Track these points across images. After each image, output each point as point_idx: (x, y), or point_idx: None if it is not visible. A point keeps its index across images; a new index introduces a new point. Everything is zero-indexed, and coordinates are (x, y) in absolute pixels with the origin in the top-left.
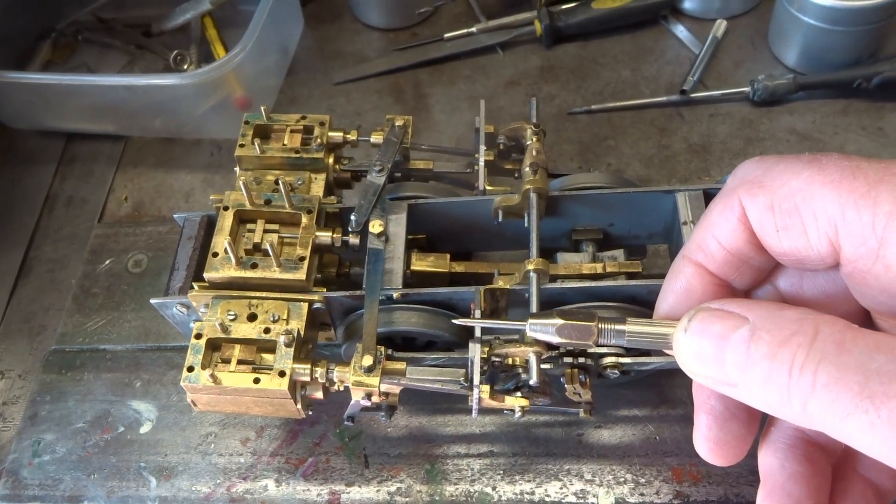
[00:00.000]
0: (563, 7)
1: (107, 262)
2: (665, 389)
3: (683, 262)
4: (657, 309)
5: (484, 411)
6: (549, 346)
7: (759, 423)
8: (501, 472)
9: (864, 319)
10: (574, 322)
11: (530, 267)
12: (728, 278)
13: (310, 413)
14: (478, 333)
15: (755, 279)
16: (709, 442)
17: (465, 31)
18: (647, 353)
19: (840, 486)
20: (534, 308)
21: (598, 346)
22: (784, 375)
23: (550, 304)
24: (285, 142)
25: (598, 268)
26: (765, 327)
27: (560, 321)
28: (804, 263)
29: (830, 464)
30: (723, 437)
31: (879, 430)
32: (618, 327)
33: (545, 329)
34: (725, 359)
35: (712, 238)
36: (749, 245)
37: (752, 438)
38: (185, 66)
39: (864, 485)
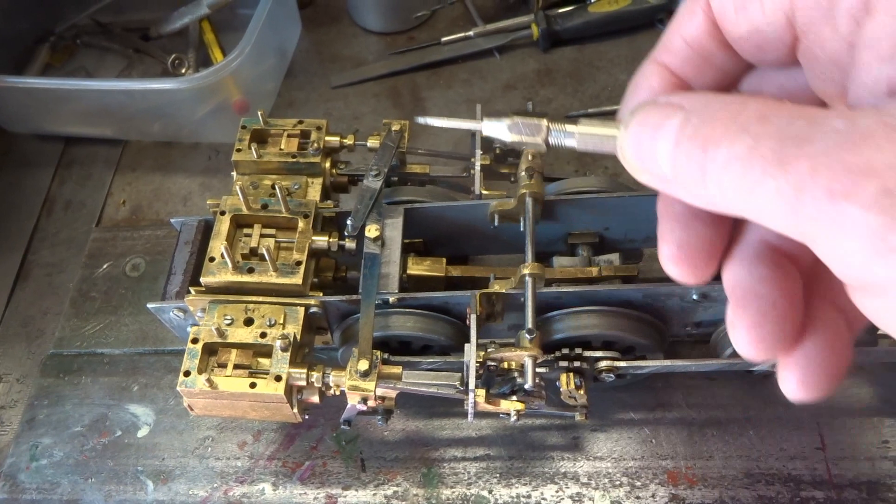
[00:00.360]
0: (560, 11)
1: (105, 265)
2: (661, 392)
3: (648, 63)
4: (620, 111)
5: (480, 415)
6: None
7: (728, 232)
8: (498, 475)
9: None
10: (525, 119)
11: (526, 271)
12: (690, 79)
13: (306, 417)
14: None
15: (719, 82)
16: (671, 245)
17: (462, 34)
18: (642, 356)
19: (810, 312)
20: (529, 313)
21: (548, 144)
22: (699, 152)
23: (546, 309)
24: (282, 146)
25: (594, 271)
26: (696, 111)
27: (513, 118)
28: (763, 51)
29: (801, 273)
30: (686, 239)
31: (784, 194)
32: (568, 127)
33: (498, 126)
34: (657, 149)
35: (677, 35)
36: (711, 39)
37: (719, 249)
38: (183, 70)
39: (836, 312)
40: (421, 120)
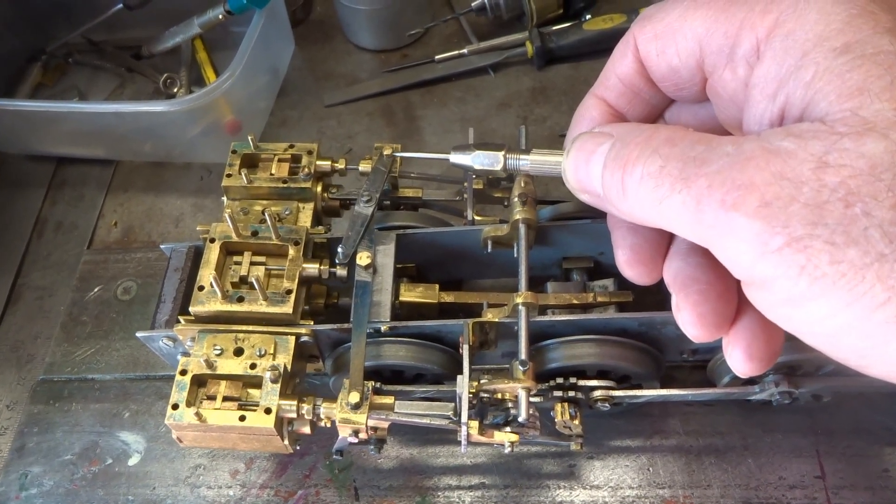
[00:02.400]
0: (555, 28)
1: (96, 289)
2: (658, 420)
3: (589, 96)
4: (567, 138)
5: (472, 444)
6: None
7: (668, 235)
8: None
9: None
10: (485, 151)
11: (519, 300)
12: (623, 111)
13: (297, 448)
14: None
15: (648, 114)
16: (625, 250)
17: (456, 52)
18: (638, 385)
19: (742, 295)
20: (523, 343)
21: (507, 171)
22: (619, 171)
23: (540, 338)
24: (273, 171)
25: (589, 297)
26: (621, 138)
27: (475, 151)
28: (680, 88)
29: None
30: (636, 242)
31: (688, 206)
32: (522, 157)
33: (463, 157)
34: (591, 171)
35: (612, 73)
36: (639, 76)
37: (664, 249)
38: (175, 90)
39: None
40: (397, 154)
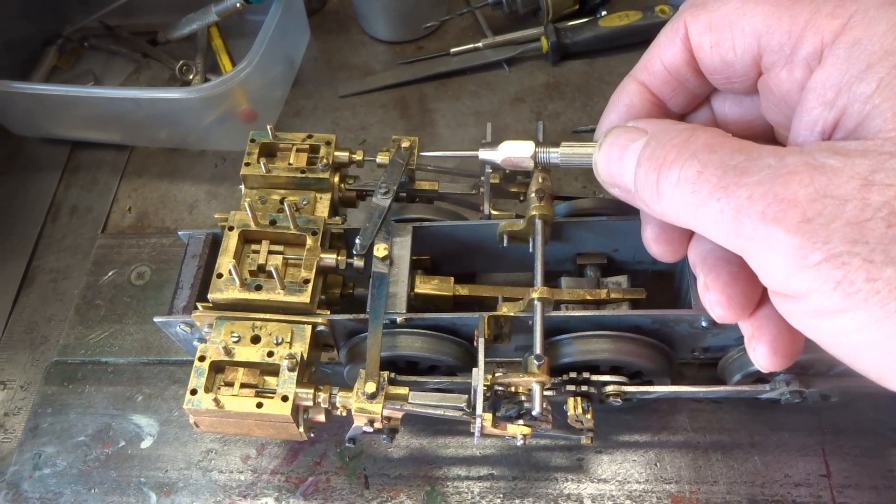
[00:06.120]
0: (570, 24)
1: (110, 273)
2: (666, 416)
3: (629, 80)
4: (601, 123)
5: (485, 436)
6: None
7: None
8: (501, 495)
9: (770, 141)
10: (515, 142)
11: (535, 295)
12: (665, 98)
13: (311, 435)
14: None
15: (689, 103)
16: (653, 227)
17: (471, 45)
18: (650, 381)
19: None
20: (538, 338)
21: (536, 164)
22: (655, 172)
23: (554, 331)
24: (291, 161)
25: (603, 293)
26: (656, 136)
27: (504, 143)
28: (731, 81)
29: None
30: (664, 222)
31: (726, 215)
32: (552, 150)
33: (493, 153)
34: (624, 167)
35: (657, 59)
36: (687, 67)
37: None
38: (191, 77)
39: None
40: (424, 154)
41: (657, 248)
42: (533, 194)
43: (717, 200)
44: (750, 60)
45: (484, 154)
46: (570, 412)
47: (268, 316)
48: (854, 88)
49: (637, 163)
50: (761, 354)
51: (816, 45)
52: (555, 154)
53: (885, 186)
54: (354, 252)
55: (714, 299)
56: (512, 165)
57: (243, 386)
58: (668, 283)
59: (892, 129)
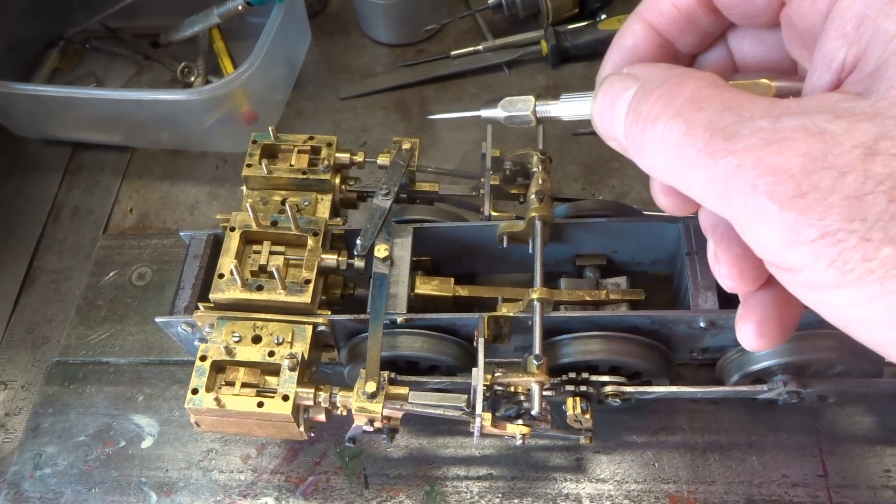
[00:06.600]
0: (570, 27)
1: (111, 274)
2: (664, 416)
3: (635, 19)
4: (604, 64)
5: (484, 435)
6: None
7: None
8: (500, 495)
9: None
10: (515, 98)
11: (534, 296)
12: (674, 39)
13: (311, 435)
14: None
15: (701, 42)
16: (660, 184)
17: (471, 48)
18: (648, 381)
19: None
20: (537, 338)
21: (537, 118)
22: (639, 127)
23: (553, 332)
24: (292, 162)
25: (602, 294)
26: (644, 85)
27: (504, 100)
28: (750, 16)
29: None
30: (670, 190)
31: (715, 182)
32: (551, 103)
33: (494, 111)
34: (615, 117)
35: None
36: (698, 2)
37: None
38: (193, 79)
39: None
40: (430, 117)
41: (665, 200)
42: (533, 196)
43: (704, 168)
44: None
45: (486, 112)
46: (569, 412)
47: (269, 316)
48: (878, 23)
49: (626, 114)
50: (747, 334)
51: None
52: (554, 107)
53: (889, 156)
54: (355, 253)
55: (724, 272)
56: (513, 122)
57: (244, 385)
58: (666, 285)
59: None
